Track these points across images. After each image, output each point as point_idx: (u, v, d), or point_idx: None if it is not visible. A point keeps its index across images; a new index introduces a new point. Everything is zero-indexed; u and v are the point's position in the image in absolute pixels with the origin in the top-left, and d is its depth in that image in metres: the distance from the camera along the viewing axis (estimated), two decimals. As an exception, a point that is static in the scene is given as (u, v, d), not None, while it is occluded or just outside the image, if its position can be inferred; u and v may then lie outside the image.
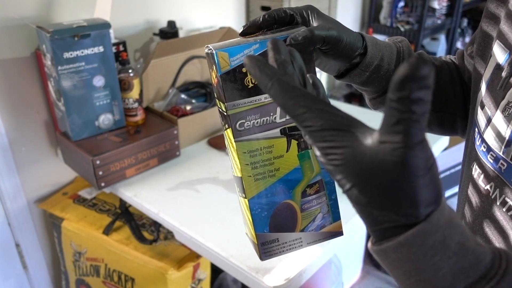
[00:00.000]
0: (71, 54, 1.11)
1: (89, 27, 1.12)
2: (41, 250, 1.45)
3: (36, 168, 1.36)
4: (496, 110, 0.41)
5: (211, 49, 0.44)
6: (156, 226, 1.24)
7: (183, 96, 1.45)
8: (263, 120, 0.45)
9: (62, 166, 1.36)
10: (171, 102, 1.44)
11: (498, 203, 0.41)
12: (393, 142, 0.28)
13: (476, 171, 0.45)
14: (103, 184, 1.19)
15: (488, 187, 0.42)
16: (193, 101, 1.46)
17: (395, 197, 0.29)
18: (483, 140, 0.43)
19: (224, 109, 0.45)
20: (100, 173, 1.16)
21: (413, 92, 0.26)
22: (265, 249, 0.48)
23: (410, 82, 0.26)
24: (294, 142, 0.46)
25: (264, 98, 0.45)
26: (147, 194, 1.18)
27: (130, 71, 1.27)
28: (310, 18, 0.49)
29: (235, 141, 0.44)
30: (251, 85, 0.44)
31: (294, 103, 0.31)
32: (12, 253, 1.38)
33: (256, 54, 0.44)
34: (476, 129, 0.45)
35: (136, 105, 1.30)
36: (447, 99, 0.60)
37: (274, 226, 0.47)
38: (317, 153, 0.32)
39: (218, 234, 1.02)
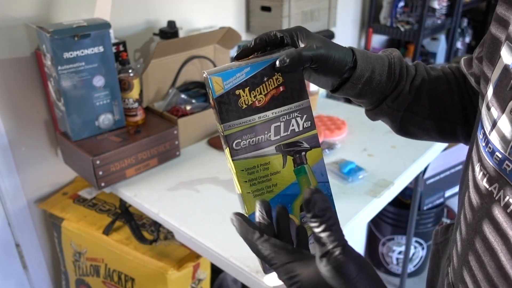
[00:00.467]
0: (71, 54, 1.11)
1: (89, 27, 1.12)
2: (41, 250, 1.45)
3: (36, 168, 1.36)
4: (504, 111, 0.41)
5: (206, 74, 0.46)
6: (156, 226, 1.24)
7: (183, 96, 1.45)
8: (258, 138, 0.47)
9: (62, 166, 1.36)
10: (171, 102, 1.44)
11: (501, 205, 0.41)
12: (324, 253, 0.37)
13: (480, 172, 0.45)
14: (103, 184, 1.19)
15: (491, 188, 0.42)
16: (193, 101, 1.46)
17: None
18: (489, 141, 0.43)
19: (221, 130, 0.47)
20: (100, 173, 1.16)
21: (315, 211, 0.37)
22: None
23: (308, 206, 0.37)
24: (289, 158, 0.48)
25: (258, 118, 0.47)
26: (147, 194, 1.18)
27: (130, 71, 1.27)
28: (299, 38, 0.51)
29: (232, 160, 0.47)
30: (244, 106, 0.46)
31: (258, 250, 0.42)
32: (12, 253, 1.38)
33: (248, 78, 0.47)
34: (482, 130, 0.45)
35: (136, 105, 1.30)
36: (445, 108, 0.61)
37: None
38: (285, 283, 0.41)
39: (218, 234, 1.02)
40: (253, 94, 0.47)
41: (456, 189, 2.01)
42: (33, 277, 1.44)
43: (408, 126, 0.62)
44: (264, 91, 0.47)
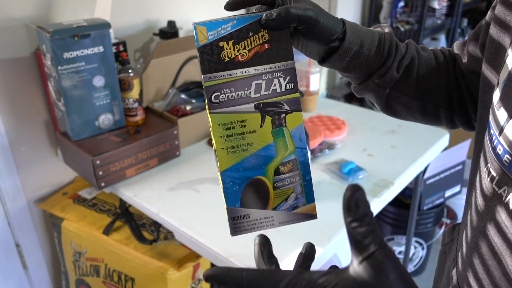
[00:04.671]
0: (71, 54, 1.11)
1: (89, 27, 1.12)
2: (41, 250, 1.45)
3: (36, 168, 1.36)
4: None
5: (193, 23, 0.46)
6: (156, 226, 1.24)
7: (183, 96, 1.45)
8: (238, 94, 0.47)
9: (62, 166, 1.36)
10: (171, 102, 1.44)
11: (510, 208, 0.41)
12: (367, 255, 0.33)
13: (489, 175, 0.44)
14: (103, 184, 1.19)
15: (501, 191, 0.42)
16: (193, 101, 1.46)
17: None
18: (499, 143, 0.42)
19: (202, 82, 0.47)
20: (100, 173, 1.16)
21: (357, 215, 0.33)
22: (235, 224, 0.49)
23: (349, 208, 0.32)
24: (268, 119, 0.48)
25: (239, 73, 0.47)
26: (147, 194, 1.18)
27: (130, 71, 1.27)
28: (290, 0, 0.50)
29: (209, 113, 0.47)
30: (227, 59, 0.47)
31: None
32: (12, 253, 1.38)
33: (233, 31, 0.47)
34: (491, 132, 0.45)
35: (136, 105, 1.30)
36: (431, 89, 0.61)
37: (245, 201, 0.49)
38: None
39: (218, 234, 1.02)
40: (236, 48, 0.47)
41: (456, 189, 2.01)
42: (33, 277, 1.44)
43: (394, 104, 0.62)
44: (248, 46, 0.47)
